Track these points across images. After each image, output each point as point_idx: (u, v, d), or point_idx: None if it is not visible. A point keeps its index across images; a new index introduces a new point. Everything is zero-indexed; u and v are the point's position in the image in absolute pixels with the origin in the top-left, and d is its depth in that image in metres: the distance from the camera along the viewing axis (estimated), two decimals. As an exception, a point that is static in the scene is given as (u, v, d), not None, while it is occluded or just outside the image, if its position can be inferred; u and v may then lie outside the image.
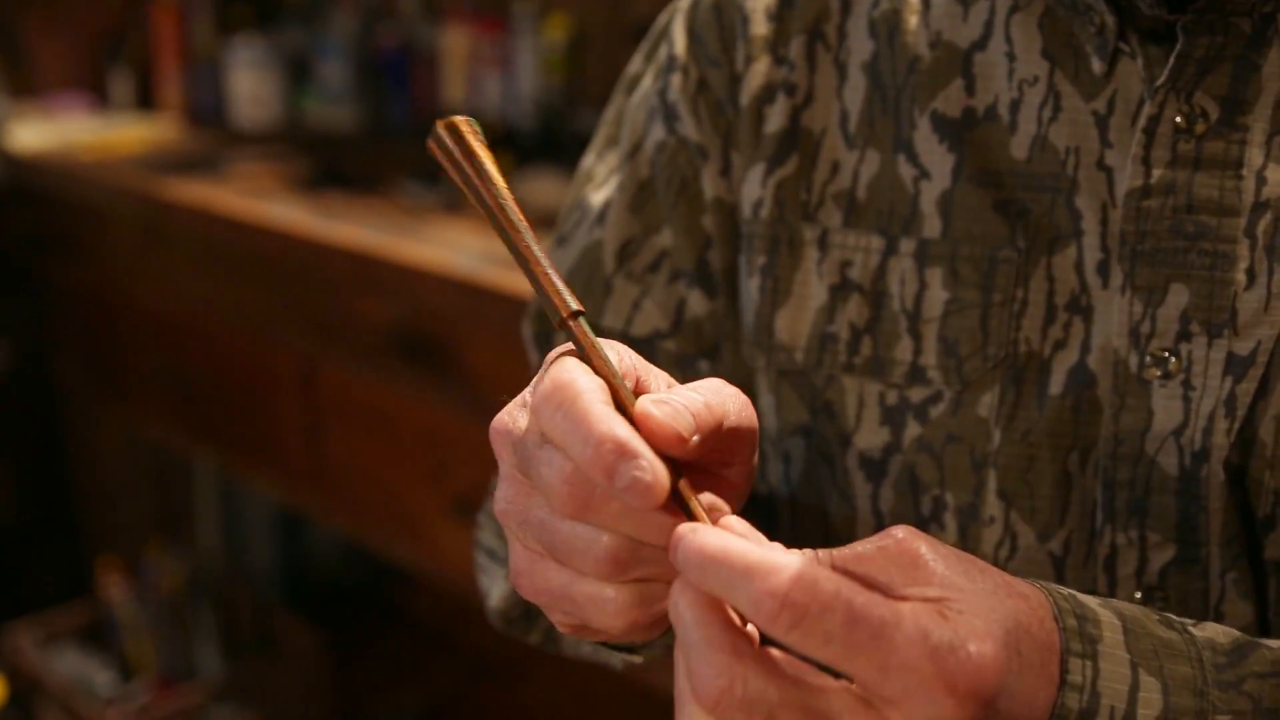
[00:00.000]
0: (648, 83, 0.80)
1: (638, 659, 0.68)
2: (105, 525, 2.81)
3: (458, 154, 0.53)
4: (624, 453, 0.47)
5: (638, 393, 0.52)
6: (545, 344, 0.82)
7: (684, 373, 0.77)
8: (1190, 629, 0.55)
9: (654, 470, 0.47)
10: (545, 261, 0.53)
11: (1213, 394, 0.62)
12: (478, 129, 0.54)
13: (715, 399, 0.51)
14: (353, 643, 2.64)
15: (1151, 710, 0.52)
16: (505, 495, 0.53)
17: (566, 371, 0.50)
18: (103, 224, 2.46)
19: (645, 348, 0.77)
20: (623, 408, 0.50)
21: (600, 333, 0.78)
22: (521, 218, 0.53)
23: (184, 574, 2.42)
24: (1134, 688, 0.52)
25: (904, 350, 0.70)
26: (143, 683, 2.33)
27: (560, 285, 0.53)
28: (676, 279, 0.77)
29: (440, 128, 0.53)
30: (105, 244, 2.48)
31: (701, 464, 0.53)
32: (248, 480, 2.53)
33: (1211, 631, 0.56)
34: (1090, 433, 0.65)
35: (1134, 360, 0.64)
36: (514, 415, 0.53)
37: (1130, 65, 0.64)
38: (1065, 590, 0.54)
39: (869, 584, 0.48)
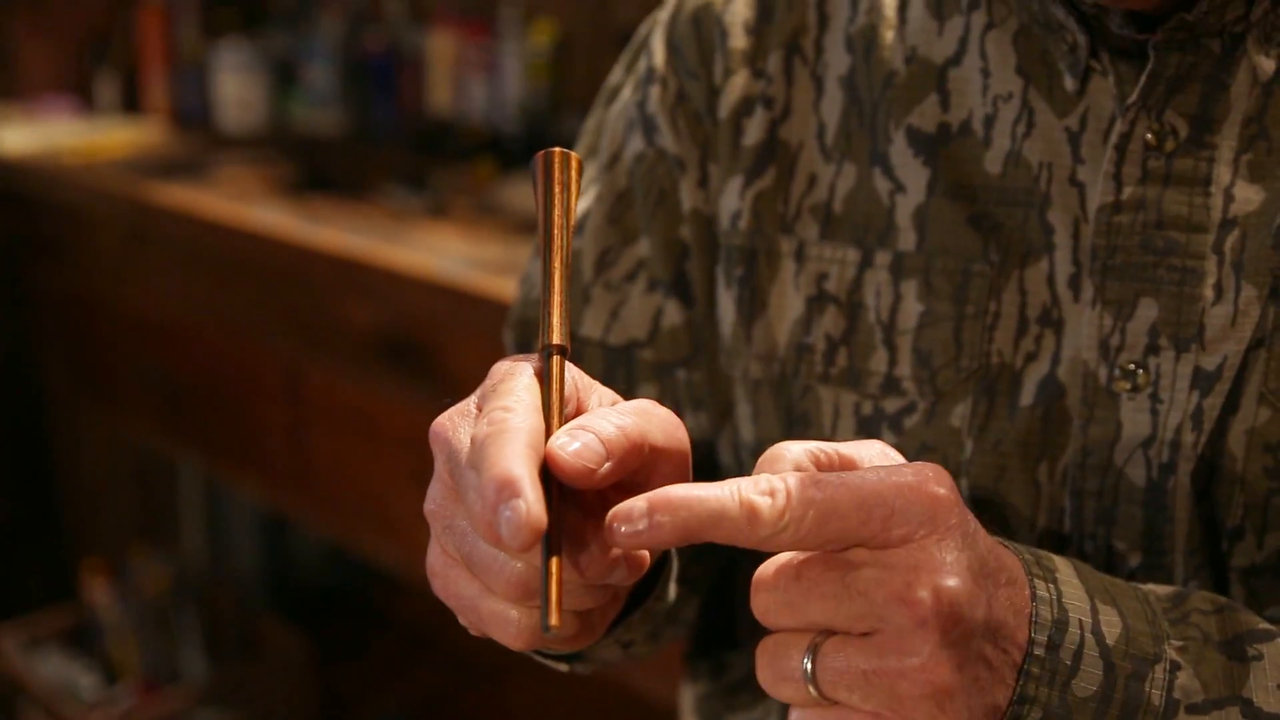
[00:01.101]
0: (627, 94, 0.81)
1: (564, 667, 0.70)
2: (90, 528, 2.81)
3: (540, 176, 0.59)
4: (507, 491, 0.48)
5: (578, 412, 0.54)
6: (525, 352, 0.83)
7: (661, 381, 0.78)
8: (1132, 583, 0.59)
9: (527, 512, 0.47)
10: (563, 292, 0.55)
11: (1180, 407, 0.63)
12: (574, 166, 0.59)
13: (634, 421, 0.52)
14: (337, 645, 2.64)
15: (1114, 630, 0.55)
16: (434, 496, 0.55)
17: (504, 408, 0.51)
18: (88, 227, 2.46)
19: (623, 356, 0.78)
20: None
21: (577, 342, 0.78)
22: (568, 247, 0.57)
23: (168, 577, 2.41)
24: (1094, 610, 0.55)
25: (879, 361, 0.70)
26: (127, 686, 2.32)
27: (561, 317, 0.55)
28: (654, 289, 0.78)
29: (541, 155, 0.59)
30: (90, 247, 2.48)
31: (626, 484, 0.53)
32: (232, 483, 2.53)
33: (1151, 586, 0.59)
34: (1059, 443, 0.66)
35: (1103, 373, 0.64)
36: (455, 423, 0.54)
37: (1102, 83, 0.65)
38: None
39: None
